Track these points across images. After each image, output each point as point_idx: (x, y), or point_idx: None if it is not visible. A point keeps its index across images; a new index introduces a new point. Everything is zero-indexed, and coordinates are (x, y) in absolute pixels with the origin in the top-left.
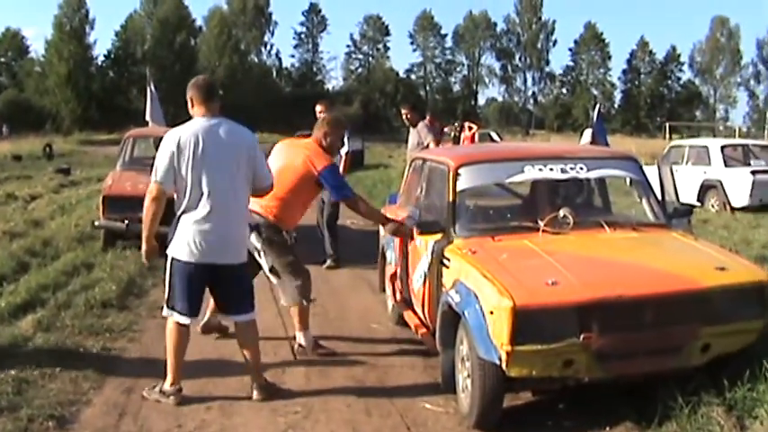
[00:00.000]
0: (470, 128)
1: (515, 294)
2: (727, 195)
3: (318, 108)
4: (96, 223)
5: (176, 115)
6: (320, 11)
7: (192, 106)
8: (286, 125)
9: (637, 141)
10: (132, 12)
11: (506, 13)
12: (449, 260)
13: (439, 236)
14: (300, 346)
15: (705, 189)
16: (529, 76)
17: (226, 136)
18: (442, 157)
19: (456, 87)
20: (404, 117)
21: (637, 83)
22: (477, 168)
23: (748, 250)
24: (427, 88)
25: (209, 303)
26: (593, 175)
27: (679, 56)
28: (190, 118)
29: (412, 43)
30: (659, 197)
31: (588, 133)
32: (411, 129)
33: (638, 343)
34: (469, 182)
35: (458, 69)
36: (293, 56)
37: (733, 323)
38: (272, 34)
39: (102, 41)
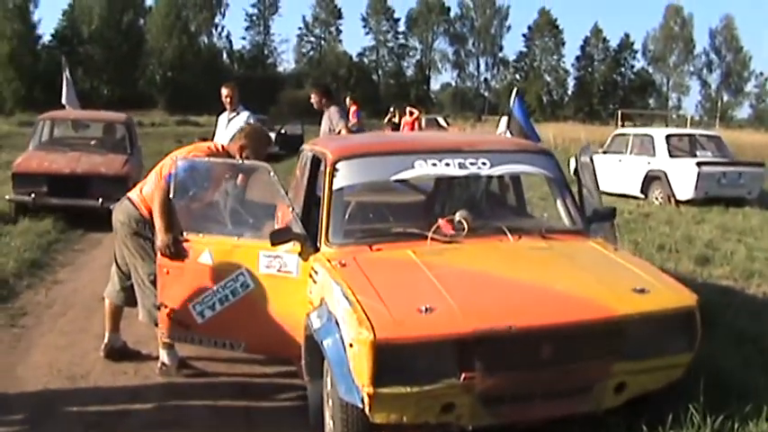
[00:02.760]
0: (411, 113)
1: (377, 324)
2: (671, 187)
3: (224, 92)
4: (7, 197)
5: (122, 98)
6: None
7: None
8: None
9: (587, 128)
10: None
11: None
12: (316, 273)
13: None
14: (164, 364)
15: (649, 180)
16: (482, 61)
17: None
18: (321, 148)
19: (409, 72)
20: (314, 103)
21: (590, 70)
22: (359, 163)
23: (690, 249)
24: (380, 72)
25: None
26: (498, 171)
27: (632, 44)
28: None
29: (365, 27)
30: (577, 198)
31: (504, 121)
32: (324, 113)
33: (534, 384)
34: (348, 179)
35: (411, 54)
36: (244, 38)
37: (654, 358)
38: (223, 16)
39: (46, 21)
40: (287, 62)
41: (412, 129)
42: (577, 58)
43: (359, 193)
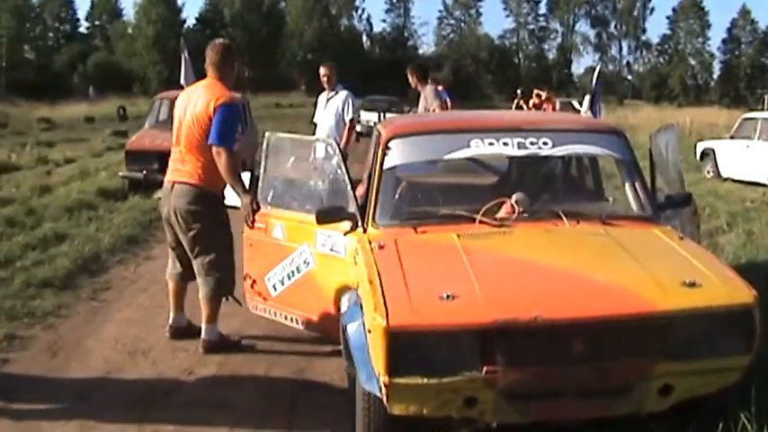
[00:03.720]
0: (539, 95)
1: (392, 310)
2: None
3: (322, 71)
4: (120, 174)
5: (263, 80)
6: None
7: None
8: (376, 90)
9: (731, 114)
10: None
11: None
12: (357, 254)
13: (345, 225)
14: (205, 341)
15: None
16: (624, 44)
17: None
18: (381, 127)
19: (550, 55)
20: (411, 83)
21: (737, 53)
22: (411, 141)
23: None
24: (520, 55)
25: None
26: (560, 151)
27: None
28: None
29: (505, 9)
30: (649, 181)
31: (587, 101)
32: (421, 92)
33: (565, 381)
34: (400, 158)
35: (552, 37)
36: (384, 20)
37: (704, 359)
38: None
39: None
40: (427, 45)
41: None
42: (723, 41)
43: (425, 174)
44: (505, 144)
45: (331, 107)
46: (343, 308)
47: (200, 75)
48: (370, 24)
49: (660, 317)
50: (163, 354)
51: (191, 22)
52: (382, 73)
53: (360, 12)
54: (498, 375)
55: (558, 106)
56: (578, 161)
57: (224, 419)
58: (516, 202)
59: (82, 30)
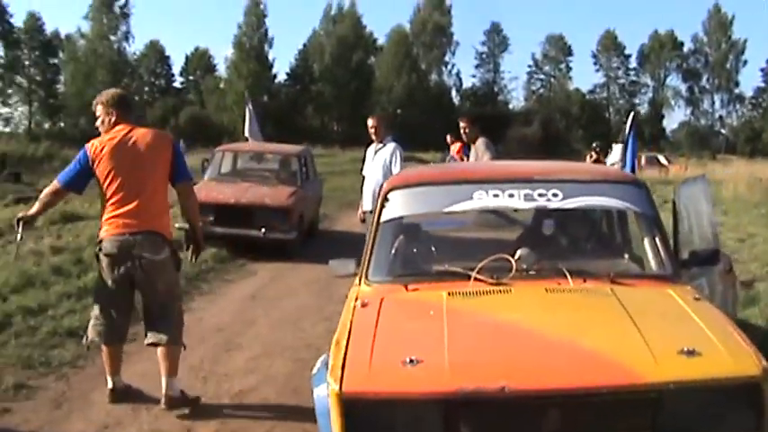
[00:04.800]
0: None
1: (348, 375)
2: None
3: (370, 123)
4: (176, 225)
5: (347, 134)
6: (501, 30)
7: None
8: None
9: None
10: (313, 30)
11: (694, 32)
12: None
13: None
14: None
15: None
16: (717, 97)
17: None
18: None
19: (642, 109)
20: (462, 131)
21: None
22: (411, 193)
23: None
24: (611, 110)
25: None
26: (571, 204)
27: None
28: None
29: (595, 63)
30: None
31: (618, 150)
32: (471, 146)
33: None
34: (398, 210)
35: (642, 91)
36: (474, 75)
37: None
38: (453, 54)
39: (280, 60)
40: (516, 99)
41: None
42: None
43: (453, 228)
44: (511, 196)
45: (379, 159)
46: (314, 369)
47: (274, 128)
48: (460, 80)
49: (647, 389)
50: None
51: (281, 77)
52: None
53: (449, 67)
54: None
55: (643, 161)
56: (607, 214)
57: None
58: (519, 258)
59: (176, 84)
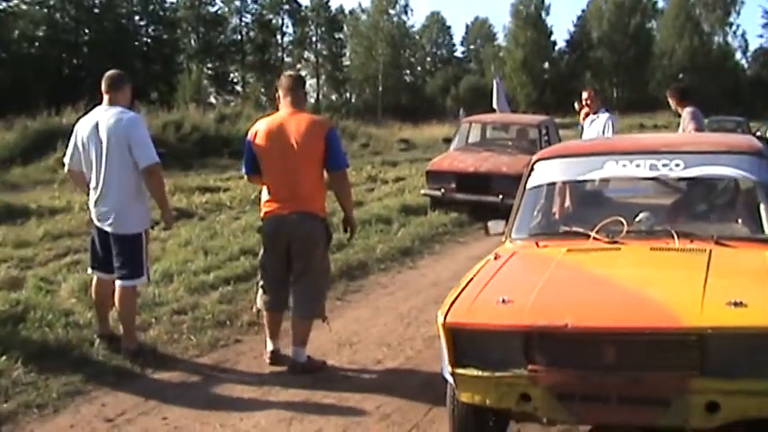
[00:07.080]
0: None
1: (453, 310)
2: None
3: (584, 95)
4: (422, 192)
5: (628, 100)
6: None
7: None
8: (745, 110)
9: None
10: None
11: None
12: None
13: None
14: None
15: None
16: None
17: None
18: None
19: None
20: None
21: None
22: (552, 164)
23: None
24: None
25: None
26: (691, 173)
27: None
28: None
29: None
30: None
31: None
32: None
33: (604, 386)
34: (541, 178)
35: None
36: (761, 36)
37: (749, 380)
38: (738, 14)
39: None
40: None
41: None
42: None
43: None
44: (638, 166)
45: (593, 129)
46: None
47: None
48: (746, 41)
49: (687, 333)
50: (367, 347)
51: (561, 44)
52: (754, 91)
53: (734, 28)
54: (540, 375)
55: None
56: (725, 182)
57: None
58: (639, 221)
59: (458, 54)
